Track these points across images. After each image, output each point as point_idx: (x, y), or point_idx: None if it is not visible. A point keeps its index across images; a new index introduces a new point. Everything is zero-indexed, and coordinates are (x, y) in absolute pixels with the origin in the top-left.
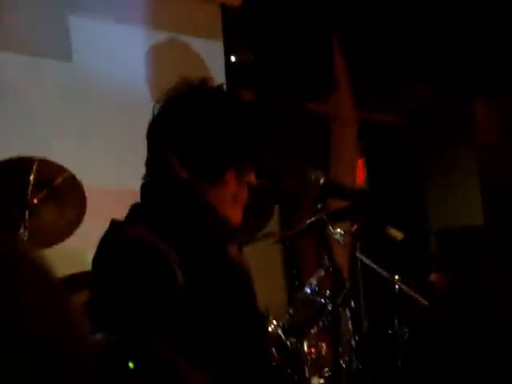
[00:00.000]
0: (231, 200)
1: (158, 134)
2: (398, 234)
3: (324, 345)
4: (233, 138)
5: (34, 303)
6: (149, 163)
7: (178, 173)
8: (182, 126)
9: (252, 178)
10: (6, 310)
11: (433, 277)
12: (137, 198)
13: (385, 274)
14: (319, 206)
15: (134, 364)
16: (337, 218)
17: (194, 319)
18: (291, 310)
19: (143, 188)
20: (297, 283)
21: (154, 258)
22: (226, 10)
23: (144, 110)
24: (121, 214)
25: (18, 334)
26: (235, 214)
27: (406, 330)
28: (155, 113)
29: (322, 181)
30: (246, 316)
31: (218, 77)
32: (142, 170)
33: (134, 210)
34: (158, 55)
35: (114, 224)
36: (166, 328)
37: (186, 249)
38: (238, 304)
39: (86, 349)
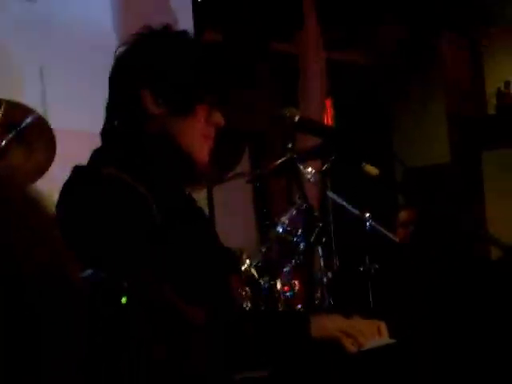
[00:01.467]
0: (199, 136)
1: (128, 72)
2: (373, 170)
3: (297, 282)
4: (203, 71)
5: (24, 237)
6: (114, 105)
7: (150, 109)
8: (154, 61)
9: (219, 118)
10: None
11: (402, 214)
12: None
13: (355, 211)
14: (289, 145)
15: (127, 299)
16: (307, 156)
17: (170, 255)
18: (264, 249)
19: (107, 132)
20: (267, 222)
21: (132, 194)
22: None
23: (111, 52)
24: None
25: (8, 270)
26: (202, 151)
27: (376, 266)
28: (120, 54)
29: (296, 118)
30: (211, 254)
31: (185, 16)
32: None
33: (99, 154)
34: None
35: (80, 168)
36: (150, 263)
37: (156, 188)
38: (202, 242)
39: (79, 284)
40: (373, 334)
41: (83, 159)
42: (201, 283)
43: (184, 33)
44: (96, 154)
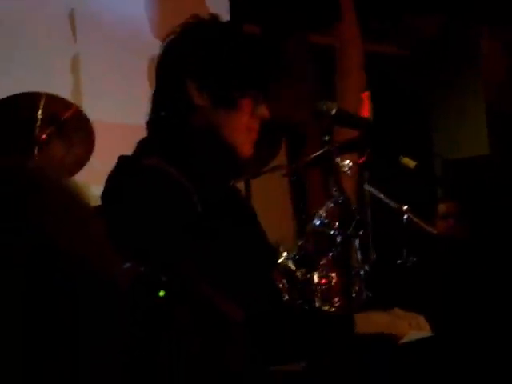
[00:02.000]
0: (244, 130)
1: (174, 62)
2: (411, 163)
3: (334, 275)
4: (247, 65)
5: (62, 228)
6: (160, 95)
7: (195, 100)
8: (200, 52)
9: (265, 111)
10: (32, 234)
11: (441, 206)
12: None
13: (393, 204)
14: (326, 138)
15: (166, 292)
16: (344, 149)
17: (212, 249)
18: (301, 242)
19: (152, 122)
20: (304, 216)
21: (173, 185)
22: None
23: (150, 48)
24: (129, 150)
25: (46, 261)
26: (246, 145)
27: (414, 259)
28: (168, 44)
29: (333, 111)
30: (255, 247)
31: (223, 10)
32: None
33: (144, 144)
34: None
35: (124, 159)
36: (189, 256)
37: (200, 180)
38: (247, 235)
39: (118, 277)
40: (412, 328)
41: (121, 152)
42: (243, 277)
43: (230, 25)
44: (141, 145)
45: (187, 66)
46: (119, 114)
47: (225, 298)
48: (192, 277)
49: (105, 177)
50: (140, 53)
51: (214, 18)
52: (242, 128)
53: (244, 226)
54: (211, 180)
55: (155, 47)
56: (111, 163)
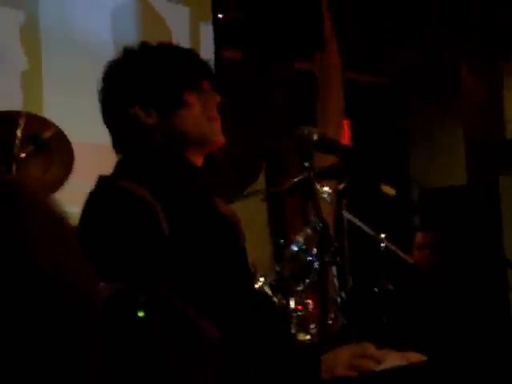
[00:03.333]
0: (204, 121)
1: (115, 94)
2: (390, 191)
3: (310, 302)
4: (179, 61)
5: (45, 245)
6: (111, 124)
7: (146, 121)
8: (134, 78)
9: (213, 95)
10: (16, 252)
11: (418, 235)
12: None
13: (370, 231)
14: (306, 164)
15: (145, 312)
16: (324, 175)
17: (181, 269)
18: (278, 268)
19: (116, 146)
20: (282, 241)
21: (139, 206)
22: None
23: None
24: (108, 170)
25: (28, 278)
26: (215, 134)
27: (391, 287)
28: (106, 73)
29: (315, 137)
30: (233, 269)
31: (206, 35)
32: None
33: (119, 165)
34: (145, 12)
35: (102, 179)
36: (161, 274)
37: (172, 200)
38: (225, 257)
39: (96, 295)
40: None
41: (99, 171)
42: (216, 292)
43: (165, 43)
44: (117, 165)
45: (125, 95)
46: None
47: (200, 317)
48: (168, 296)
49: (82, 197)
50: None
51: (161, 43)
52: (201, 120)
53: (219, 238)
54: (184, 201)
55: None
56: (89, 183)
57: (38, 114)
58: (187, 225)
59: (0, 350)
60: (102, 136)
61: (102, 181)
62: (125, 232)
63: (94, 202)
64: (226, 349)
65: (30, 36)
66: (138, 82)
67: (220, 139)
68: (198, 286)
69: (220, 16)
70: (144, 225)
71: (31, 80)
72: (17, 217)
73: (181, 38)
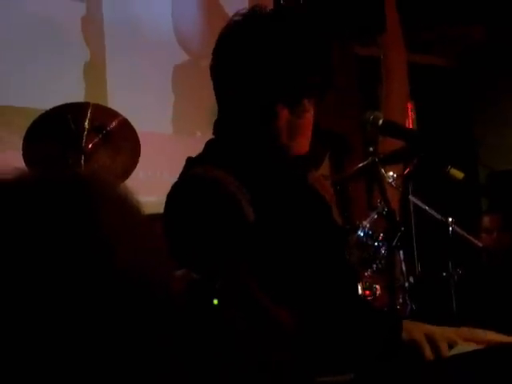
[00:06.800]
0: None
1: (259, 88)
2: (459, 174)
3: (378, 287)
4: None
5: (121, 238)
6: (235, 102)
7: (279, 121)
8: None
9: (309, 108)
10: (92, 246)
11: (485, 219)
12: (188, 144)
13: (438, 216)
14: (371, 148)
15: (219, 301)
16: (389, 160)
17: (265, 255)
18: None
19: (221, 128)
20: (348, 226)
21: (221, 192)
22: None
23: (198, 55)
24: (170, 159)
25: (106, 272)
26: (299, 145)
27: (460, 271)
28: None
29: (380, 121)
30: (332, 251)
31: None
32: (194, 117)
33: (209, 146)
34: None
35: (188, 163)
36: (242, 263)
37: (260, 186)
38: (323, 242)
39: (172, 285)
40: (458, 342)
41: (165, 161)
42: (298, 280)
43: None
44: (207, 146)
45: (274, 92)
46: (164, 124)
47: (277, 304)
48: (245, 283)
49: (149, 186)
50: (190, 62)
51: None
52: (310, 128)
53: (317, 229)
54: (274, 186)
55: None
56: (156, 172)
57: (104, 105)
58: (277, 212)
59: (79, 351)
60: (164, 126)
61: (188, 164)
62: (208, 218)
63: (178, 188)
64: (304, 336)
65: (94, 28)
66: (290, 75)
67: (307, 149)
68: (283, 273)
69: (282, 2)
70: (228, 210)
71: (95, 71)
72: (93, 213)
73: None
